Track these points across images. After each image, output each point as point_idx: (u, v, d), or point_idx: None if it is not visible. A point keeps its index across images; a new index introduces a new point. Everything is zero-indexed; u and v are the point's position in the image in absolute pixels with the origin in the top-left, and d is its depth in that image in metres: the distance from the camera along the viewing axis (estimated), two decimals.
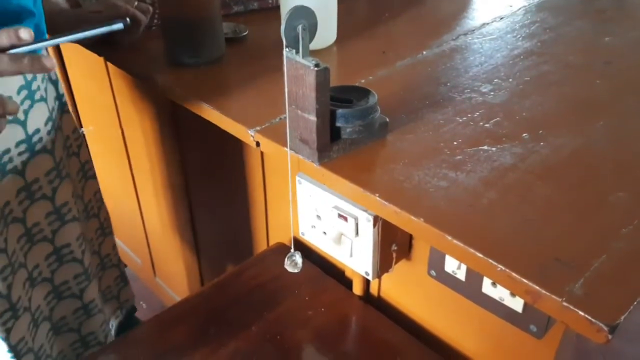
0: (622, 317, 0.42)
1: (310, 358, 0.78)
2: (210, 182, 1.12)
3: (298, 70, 0.56)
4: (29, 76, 0.71)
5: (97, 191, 0.97)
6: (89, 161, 0.93)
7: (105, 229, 0.99)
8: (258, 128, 0.66)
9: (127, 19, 0.54)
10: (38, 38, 0.63)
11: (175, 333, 0.81)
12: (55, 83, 0.81)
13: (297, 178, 0.73)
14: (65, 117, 0.84)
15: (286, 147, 0.62)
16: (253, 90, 0.75)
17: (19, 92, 0.70)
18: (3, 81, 0.67)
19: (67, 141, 0.84)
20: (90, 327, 0.95)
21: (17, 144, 0.73)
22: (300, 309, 0.83)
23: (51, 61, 0.55)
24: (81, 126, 1.37)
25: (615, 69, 0.80)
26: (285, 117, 0.60)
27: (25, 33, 0.53)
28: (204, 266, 1.29)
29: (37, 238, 0.81)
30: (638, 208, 0.53)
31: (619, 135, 0.65)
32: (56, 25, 0.77)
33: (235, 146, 0.95)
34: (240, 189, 1.05)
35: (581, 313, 0.43)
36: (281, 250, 0.92)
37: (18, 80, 0.70)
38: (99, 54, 0.87)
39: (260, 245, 1.06)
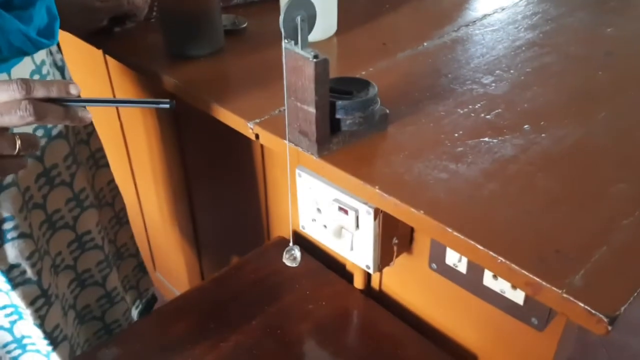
0: (622, 309, 0.42)
1: (311, 352, 0.78)
2: (210, 175, 1.12)
3: (297, 62, 0.55)
4: (38, 60, 0.71)
5: (111, 180, 0.96)
6: (100, 149, 0.92)
7: (121, 218, 0.99)
8: (257, 120, 0.66)
9: (174, 101, 0.56)
10: (50, 19, 0.62)
11: (176, 327, 0.81)
12: (61, 69, 0.80)
13: (297, 171, 0.72)
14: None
15: (285, 139, 0.61)
16: (252, 82, 0.75)
17: (32, 76, 0.70)
18: (16, 67, 0.67)
19: (75, 128, 0.84)
20: (113, 315, 0.95)
21: (35, 129, 0.72)
22: (301, 302, 0.83)
23: (89, 115, 0.57)
24: None
25: (617, 60, 0.80)
26: (284, 109, 0.60)
27: (74, 89, 0.55)
28: (204, 260, 1.29)
29: (58, 225, 0.81)
30: (639, 199, 0.53)
31: (620, 127, 0.65)
32: (62, 16, 0.76)
33: (235, 139, 0.95)
34: (240, 182, 1.05)
35: (581, 304, 0.43)
36: (282, 244, 0.92)
37: (29, 65, 0.69)
38: (97, 47, 0.87)
39: (261, 239, 1.06)
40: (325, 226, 0.73)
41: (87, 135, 0.88)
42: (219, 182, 1.10)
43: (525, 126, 0.64)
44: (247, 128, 0.66)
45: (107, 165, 0.94)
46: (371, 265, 0.72)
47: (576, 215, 0.52)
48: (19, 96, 0.51)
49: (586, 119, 0.66)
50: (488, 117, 0.66)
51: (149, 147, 1.18)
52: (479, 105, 0.68)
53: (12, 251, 0.73)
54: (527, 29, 0.88)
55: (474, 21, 0.91)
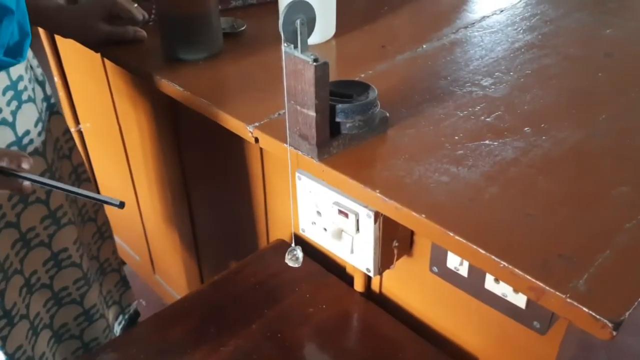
0: (627, 314, 0.42)
1: (311, 355, 0.78)
2: (209, 178, 1.11)
3: (297, 65, 0.55)
4: (15, 76, 0.70)
5: None
6: (82, 164, 0.91)
7: (103, 232, 0.98)
8: (257, 124, 0.65)
9: (124, 202, 0.55)
10: (21, 36, 0.61)
11: (176, 331, 0.81)
12: (42, 84, 0.79)
13: (297, 174, 0.72)
14: (55, 118, 0.82)
15: (285, 143, 0.61)
16: (251, 86, 0.74)
17: (4, 93, 0.69)
18: None
19: (57, 143, 0.82)
20: (92, 333, 0.94)
21: (8, 147, 0.71)
22: (301, 306, 0.82)
23: (29, 185, 0.57)
24: (79, 123, 1.36)
25: (616, 61, 0.80)
26: (284, 113, 0.60)
27: (26, 163, 0.56)
28: (204, 263, 1.28)
29: (33, 243, 0.79)
30: None
31: (621, 128, 0.65)
32: (59, 25, 0.75)
33: (235, 142, 0.94)
34: (239, 185, 1.04)
35: (585, 309, 0.42)
36: (281, 247, 0.92)
37: (3, 81, 0.68)
38: (96, 50, 0.87)
39: (261, 242, 1.06)
40: (325, 229, 0.73)
41: (68, 150, 0.86)
42: (218, 185, 1.10)
43: (526, 128, 0.64)
44: (247, 132, 0.66)
45: (88, 179, 0.93)
46: (371, 268, 0.71)
47: (578, 219, 0.51)
48: None
49: (587, 120, 0.66)
50: (488, 119, 0.65)
51: (148, 151, 1.18)
52: (478, 107, 0.68)
53: None
54: (526, 30, 0.88)
55: (473, 23, 0.91)
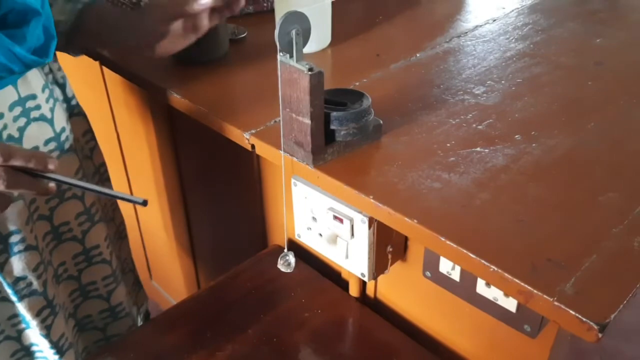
0: (612, 316, 0.43)
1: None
2: (206, 184, 1.12)
3: (292, 74, 0.56)
4: (43, 76, 0.72)
5: None
6: (103, 164, 0.92)
7: (121, 232, 0.99)
8: (253, 131, 0.67)
9: (147, 200, 0.56)
10: (46, 38, 0.63)
11: (172, 336, 0.81)
12: (62, 86, 0.80)
13: (293, 180, 0.73)
14: (75, 120, 0.83)
15: (281, 149, 0.62)
16: (249, 93, 0.76)
17: (43, 90, 0.71)
18: (27, 81, 0.68)
19: (77, 143, 0.83)
20: (116, 329, 0.95)
21: (47, 142, 0.73)
22: (297, 311, 0.83)
23: (54, 186, 0.58)
24: None
25: (606, 70, 0.81)
26: (280, 120, 0.61)
27: (52, 164, 0.56)
28: (201, 269, 1.29)
29: (65, 237, 0.81)
30: (628, 208, 0.54)
31: (610, 136, 0.66)
32: (120, 32, 0.72)
33: (231, 148, 0.95)
34: (236, 191, 1.05)
35: (572, 312, 0.43)
36: (277, 253, 0.92)
37: (40, 79, 0.71)
38: (95, 59, 0.88)
39: (257, 248, 1.07)
40: (320, 234, 0.74)
41: (89, 150, 0.88)
42: (215, 191, 1.11)
43: (517, 136, 0.65)
44: (244, 139, 0.67)
45: (109, 179, 0.94)
46: (366, 273, 0.72)
47: (567, 224, 0.53)
48: None
49: (576, 128, 0.67)
50: (480, 127, 0.67)
51: (145, 157, 1.18)
52: (470, 115, 0.69)
53: (19, 264, 0.73)
54: (518, 39, 0.89)
55: (466, 32, 0.92)
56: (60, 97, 0.79)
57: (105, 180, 0.93)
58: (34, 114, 0.70)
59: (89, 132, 0.87)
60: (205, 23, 0.72)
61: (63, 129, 0.76)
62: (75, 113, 0.83)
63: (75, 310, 0.89)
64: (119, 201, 0.98)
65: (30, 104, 0.70)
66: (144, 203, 0.56)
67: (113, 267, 0.89)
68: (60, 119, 0.75)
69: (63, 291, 0.85)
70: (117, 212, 0.97)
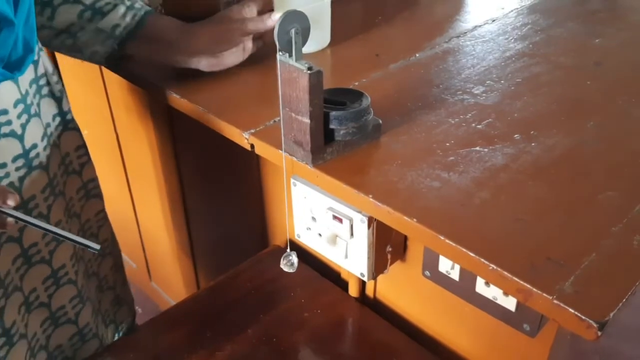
0: (612, 314, 0.43)
1: None
2: (205, 185, 1.12)
3: (291, 74, 0.56)
4: (23, 90, 0.69)
5: (100, 211, 0.92)
6: (94, 179, 0.89)
7: (104, 249, 0.95)
8: (252, 130, 0.67)
9: (101, 247, 0.57)
10: (25, 52, 0.61)
11: (171, 337, 0.81)
12: (58, 99, 0.78)
13: (292, 180, 0.73)
14: (67, 134, 0.81)
15: (281, 149, 0.62)
16: (248, 93, 0.76)
17: (15, 105, 0.68)
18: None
19: (66, 158, 0.81)
20: (84, 352, 0.90)
21: (15, 159, 0.70)
22: (297, 311, 0.83)
23: (12, 221, 0.58)
24: None
25: (605, 70, 0.81)
26: (279, 120, 0.61)
27: (12, 200, 0.56)
28: (200, 270, 1.29)
29: (34, 259, 0.77)
30: (627, 207, 0.54)
31: (609, 135, 0.66)
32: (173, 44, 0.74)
33: (231, 148, 0.95)
34: (236, 191, 1.05)
35: (571, 310, 0.43)
36: (277, 253, 0.93)
37: (14, 94, 0.68)
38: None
39: (257, 248, 1.07)
40: (320, 234, 0.74)
41: (79, 165, 0.85)
42: (214, 191, 1.11)
43: (516, 135, 0.65)
44: (243, 138, 0.67)
45: (98, 195, 0.90)
46: (365, 273, 0.72)
47: (566, 223, 0.53)
48: None
49: (575, 128, 0.67)
50: (479, 126, 0.67)
51: (144, 157, 1.18)
52: (470, 115, 0.69)
53: None
54: (517, 39, 0.90)
55: (465, 32, 0.92)
56: (55, 111, 0.77)
57: (92, 196, 0.89)
58: (4, 129, 0.67)
59: (81, 147, 0.85)
60: (251, 45, 0.76)
61: (34, 146, 0.72)
62: (69, 127, 0.81)
63: (47, 341, 0.84)
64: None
65: (0, 119, 0.67)
66: (98, 249, 0.57)
67: (78, 287, 0.85)
68: (34, 135, 0.72)
69: (34, 321, 0.80)
70: (103, 227, 0.93)
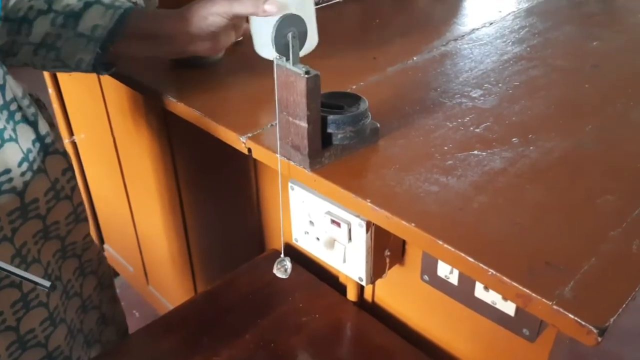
0: (612, 320, 0.43)
1: None
2: (203, 189, 1.12)
3: (289, 78, 0.56)
4: None
5: (87, 235, 0.88)
6: (81, 204, 0.85)
7: (85, 269, 0.90)
8: (249, 134, 0.66)
9: (55, 285, 0.55)
10: None
11: (168, 342, 0.81)
12: (33, 124, 0.73)
13: (290, 184, 0.73)
14: (51, 158, 0.76)
15: (278, 153, 0.62)
16: (244, 96, 0.75)
17: None
18: None
19: (56, 184, 0.76)
20: None
21: None
22: (294, 315, 0.83)
23: None
24: (73, 134, 1.37)
25: (603, 73, 0.81)
26: (276, 124, 0.61)
27: None
28: (198, 273, 1.29)
29: (3, 284, 0.73)
30: (626, 210, 0.54)
31: (607, 138, 0.66)
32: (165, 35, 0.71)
33: (228, 152, 0.95)
34: (233, 195, 1.05)
35: (571, 316, 0.43)
36: (275, 257, 0.91)
37: None
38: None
39: (254, 252, 1.06)
40: (318, 238, 0.74)
41: (70, 190, 0.81)
42: (212, 195, 1.11)
43: (514, 139, 0.65)
44: (240, 142, 0.67)
45: (86, 219, 0.87)
46: (364, 277, 0.72)
47: (565, 227, 0.52)
48: None
49: (573, 131, 0.67)
50: (477, 130, 0.67)
51: (142, 162, 1.18)
52: (468, 118, 0.69)
53: None
54: (515, 43, 0.89)
55: (463, 35, 0.92)
56: (33, 136, 0.72)
57: (81, 220, 0.85)
58: None
59: (68, 170, 0.80)
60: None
61: (7, 171, 0.68)
62: (50, 152, 0.76)
63: None
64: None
65: None
66: (51, 287, 0.55)
67: (50, 310, 0.81)
68: (6, 161, 0.68)
69: (0, 345, 0.76)
70: (88, 250, 0.89)
